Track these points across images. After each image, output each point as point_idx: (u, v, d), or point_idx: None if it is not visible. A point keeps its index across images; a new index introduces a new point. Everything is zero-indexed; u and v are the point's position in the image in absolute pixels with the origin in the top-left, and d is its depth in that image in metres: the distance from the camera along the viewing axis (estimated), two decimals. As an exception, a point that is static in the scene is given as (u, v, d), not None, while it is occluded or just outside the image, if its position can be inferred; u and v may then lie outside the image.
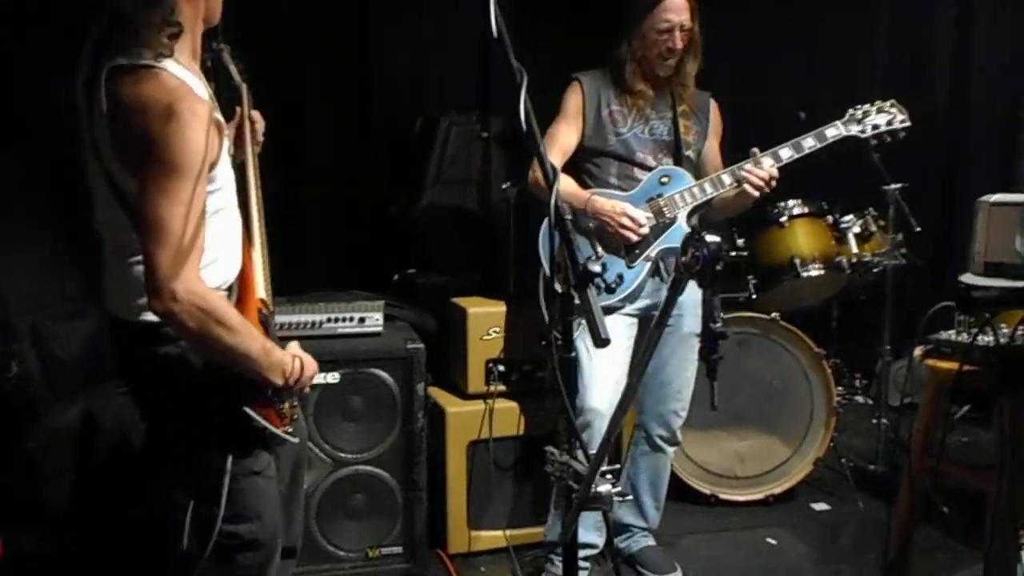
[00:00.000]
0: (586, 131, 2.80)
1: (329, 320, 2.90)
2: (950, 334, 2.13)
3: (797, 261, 3.41)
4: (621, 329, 2.77)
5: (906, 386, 3.62)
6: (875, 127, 2.81)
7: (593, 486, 1.37)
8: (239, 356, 1.69)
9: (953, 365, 2.06)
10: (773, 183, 2.70)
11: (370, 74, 4.25)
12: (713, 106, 2.95)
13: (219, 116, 1.75)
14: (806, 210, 3.50)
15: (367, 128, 4.24)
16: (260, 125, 2.23)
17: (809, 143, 2.76)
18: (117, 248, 1.76)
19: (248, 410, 1.76)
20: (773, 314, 3.41)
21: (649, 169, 2.78)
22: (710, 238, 1.17)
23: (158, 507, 1.95)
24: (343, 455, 2.86)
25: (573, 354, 1.43)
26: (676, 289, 1.24)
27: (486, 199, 4.01)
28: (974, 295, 1.92)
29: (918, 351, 2.20)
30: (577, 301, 1.42)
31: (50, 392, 3.06)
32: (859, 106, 2.84)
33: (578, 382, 2.76)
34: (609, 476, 1.43)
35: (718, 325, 1.18)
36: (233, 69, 2.19)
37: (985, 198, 1.94)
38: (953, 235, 4.41)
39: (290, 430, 1.91)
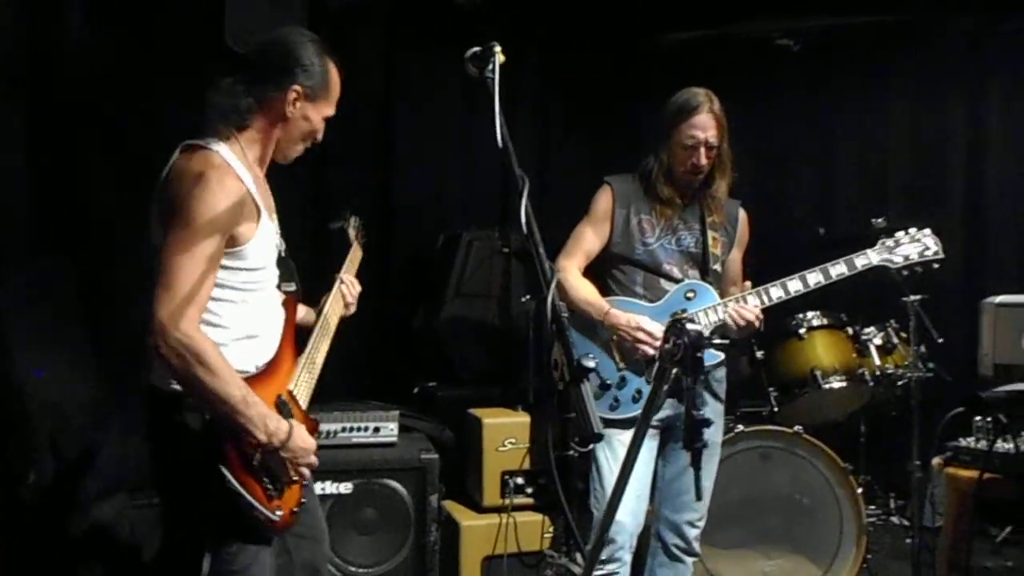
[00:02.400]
0: (613, 237, 2.78)
1: (344, 429, 2.91)
2: (969, 441, 2.07)
3: (818, 373, 3.36)
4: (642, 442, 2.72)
5: (936, 503, 3.46)
6: (907, 258, 2.76)
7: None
8: (219, 399, 1.77)
9: (973, 473, 1.99)
10: (758, 323, 2.68)
11: (392, 190, 4.39)
12: (742, 216, 2.92)
13: (259, 203, 1.95)
14: (825, 322, 3.48)
15: (390, 242, 4.35)
16: (354, 290, 2.41)
17: (838, 270, 2.73)
18: None
19: (224, 469, 1.78)
20: (796, 427, 3.34)
21: (675, 281, 2.76)
22: (691, 326, 1.18)
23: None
24: (353, 569, 2.80)
25: (571, 453, 1.41)
26: (661, 378, 1.24)
27: (506, 312, 4.06)
28: (983, 397, 1.87)
29: (937, 460, 2.13)
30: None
31: (66, 501, 3.06)
32: (890, 234, 2.80)
33: (599, 496, 2.71)
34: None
35: (701, 413, 1.17)
36: (352, 233, 2.57)
37: (989, 300, 1.93)
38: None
39: (277, 515, 1.87)
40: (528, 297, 3.59)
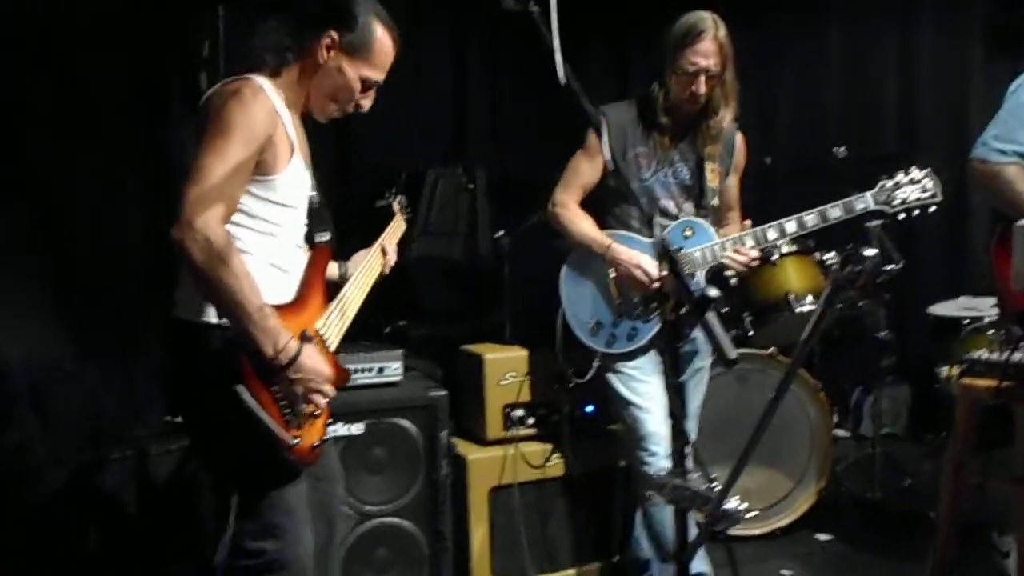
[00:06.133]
0: (608, 170, 2.75)
1: (352, 371, 2.86)
2: (982, 353, 2.25)
3: (791, 297, 3.51)
4: (651, 362, 2.77)
5: (880, 415, 3.81)
6: (904, 201, 2.74)
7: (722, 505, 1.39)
8: (235, 303, 1.75)
9: (987, 382, 2.17)
10: (755, 264, 2.79)
11: (348, 129, 4.27)
12: (739, 141, 2.91)
13: (293, 139, 1.96)
14: (795, 248, 3.62)
15: (349, 182, 4.26)
16: (391, 257, 2.51)
17: (836, 214, 2.74)
18: None
19: (240, 389, 1.77)
20: (771, 349, 3.51)
21: (671, 217, 2.77)
22: (868, 251, 1.23)
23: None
24: (367, 508, 2.81)
25: (682, 379, 1.46)
26: (831, 302, 1.28)
27: (473, 249, 4.06)
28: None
29: (950, 370, 2.30)
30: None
31: (49, 456, 2.93)
32: (889, 176, 2.78)
33: (634, 412, 2.75)
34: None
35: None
36: (396, 208, 2.69)
37: (1021, 222, 2.07)
38: (916, 267, 4.55)
39: (295, 440, 1.88)
40: (503, 232, 3.58)
